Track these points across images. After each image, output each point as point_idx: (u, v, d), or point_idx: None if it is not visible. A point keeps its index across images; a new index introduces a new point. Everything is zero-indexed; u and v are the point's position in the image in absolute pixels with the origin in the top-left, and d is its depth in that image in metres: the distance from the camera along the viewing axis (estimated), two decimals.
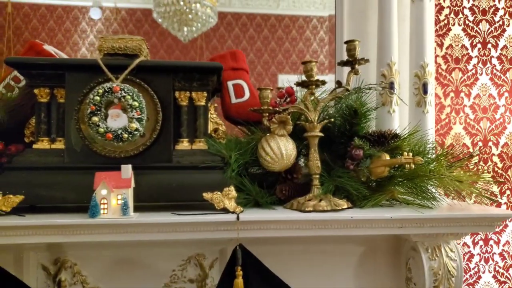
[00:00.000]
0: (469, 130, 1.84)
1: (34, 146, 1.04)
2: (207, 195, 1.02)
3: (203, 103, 1.10)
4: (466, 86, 1.84)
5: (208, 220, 0.95)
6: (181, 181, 1.03)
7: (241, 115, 1.23)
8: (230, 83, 1.24)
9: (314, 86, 1.11)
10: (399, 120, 1.31)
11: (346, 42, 1.12)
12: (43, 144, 1.05)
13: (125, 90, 0.98)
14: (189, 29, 4.47)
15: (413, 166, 1.04)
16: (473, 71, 1.84)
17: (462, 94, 1.83)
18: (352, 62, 1.11)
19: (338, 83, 1.12)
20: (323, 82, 1.12)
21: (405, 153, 1.06)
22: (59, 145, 1.05)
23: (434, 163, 1.12)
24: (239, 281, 0.92)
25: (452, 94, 1.83)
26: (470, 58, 1.84)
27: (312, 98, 1.12)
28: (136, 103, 0.98)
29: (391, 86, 1.28)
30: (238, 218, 0.95)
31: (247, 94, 1.24)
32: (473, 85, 1.84)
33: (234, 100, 1.23)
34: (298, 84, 1.13)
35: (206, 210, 1.03)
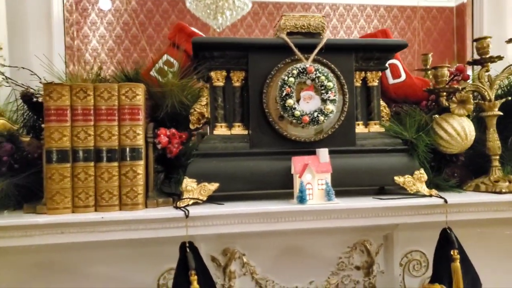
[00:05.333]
0: None
1: (215, 132, 0.99)
2: (398, 179, 0.99)
3: (376, 84, 1.06)
4: None
5: (422, 204, 0.91)
6: (369, 165, 0.99)
7: (399, 95, 1.18)
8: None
9: (489, 63, 1.07)
10: None
11: None
12: (222, 129, 1.00)
13: (319, 70, 0.94)
14: (224, 17, 4.34)
15: None
16: None
17: None
18: None
19: None
20: (500, 58, 1.07)
21: None
22: (238, 130, 1.00)
23: None
24: (457, 265, 0.89)
25: None
26: None
27: (487, 75, 1.08)
28: (330, 84, 0.94)
29: None
30: (446, 201, 0.92)
31: (403, 74, 1.19)
32: None
33: (391, 80, 1.19)
34: (473, 61, 1.08)
35: (392, 194, 1.00)
